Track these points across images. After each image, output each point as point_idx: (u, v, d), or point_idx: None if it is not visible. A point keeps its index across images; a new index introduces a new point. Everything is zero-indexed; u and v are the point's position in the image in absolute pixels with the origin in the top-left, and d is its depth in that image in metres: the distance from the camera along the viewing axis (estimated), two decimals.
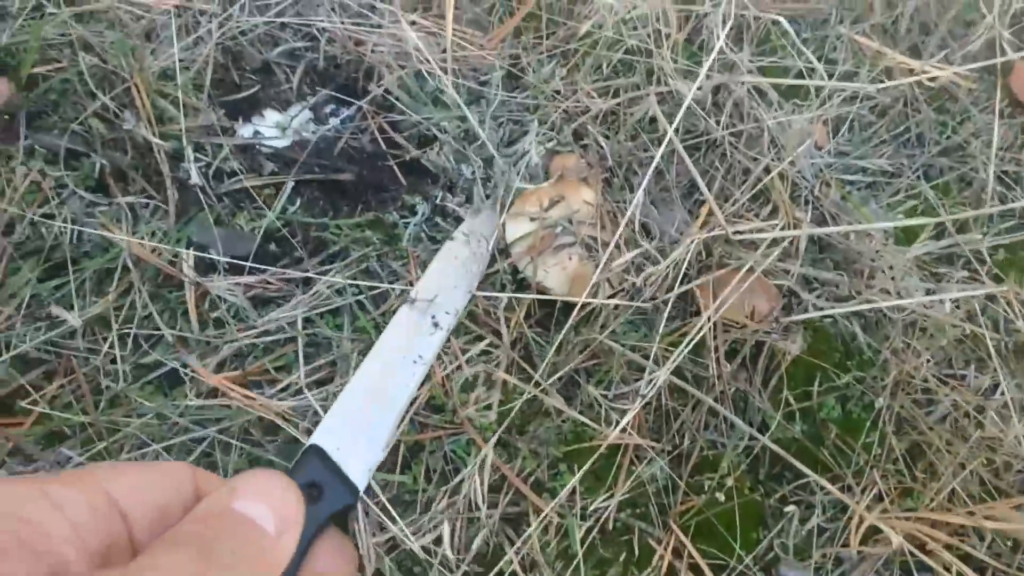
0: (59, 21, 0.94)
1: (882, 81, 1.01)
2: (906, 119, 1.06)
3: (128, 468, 0.41)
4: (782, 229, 0.89)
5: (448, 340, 0.87)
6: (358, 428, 0.72)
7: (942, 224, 0.99)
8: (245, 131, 1.00)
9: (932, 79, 1.05)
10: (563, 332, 0.83)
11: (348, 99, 1.03)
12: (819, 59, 1.10)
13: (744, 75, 0.94)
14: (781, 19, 0.86)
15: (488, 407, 0.86)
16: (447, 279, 0.90)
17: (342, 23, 1.01)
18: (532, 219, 0.91)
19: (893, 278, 0.92)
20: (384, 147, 1.00)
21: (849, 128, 1.06)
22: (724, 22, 0.83)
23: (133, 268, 0.86)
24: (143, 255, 0.86)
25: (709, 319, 0.82)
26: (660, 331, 0.87)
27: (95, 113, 0.90)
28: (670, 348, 0.87)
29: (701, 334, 0.82)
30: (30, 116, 0.92)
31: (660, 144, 0.94)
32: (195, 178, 0.89)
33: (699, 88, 0.90)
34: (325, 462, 0.54)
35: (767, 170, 0.94)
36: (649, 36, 1.00)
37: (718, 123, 1.00)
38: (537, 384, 0.83)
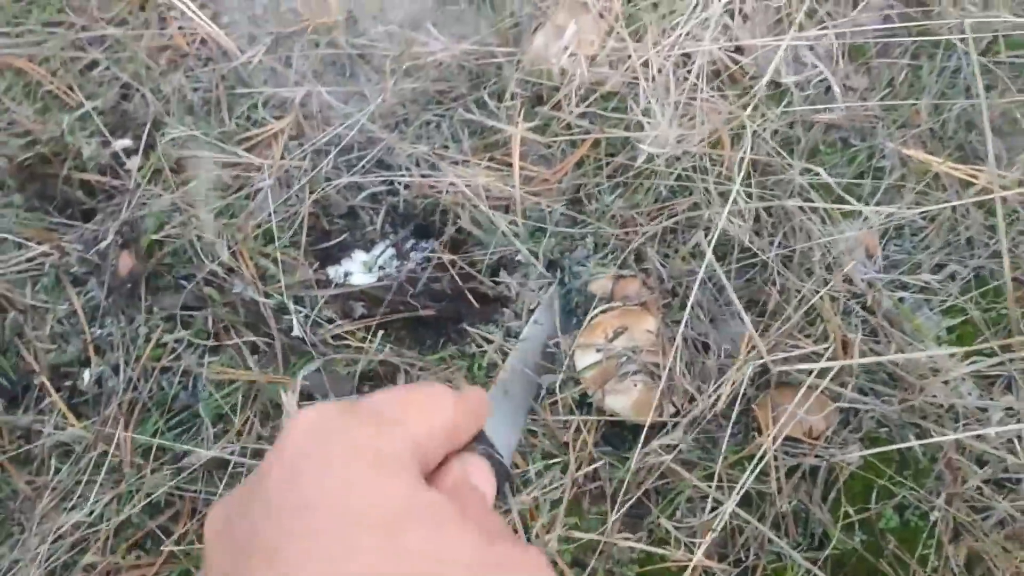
0: (169, 194, 1.06)
1: (925, 193, 1.07)
2: (955, 223, 1.10)
3: (420, 418, 0.47)
4: (831, 353, 0.95)
5: (526, 468, 0.95)
6: (499, 419, 0.83)
7: (995, 331, 1.03)
8: (336, 273, 1.10)
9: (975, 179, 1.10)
10: (631, 463, 0.91)
11: (426, 236, 1.13)
12: (869, 168, 1.15)
13: (790, 201, 1.00)
14: (821, 171, 0.93)
15: (568, 527, 0.94)
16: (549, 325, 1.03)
17: (418, 170, 1.11)
18: (598, 350, 1.00)
19: (946, 382, 0.98)
20: (460, 281, 1.09)
21: (899, 235, 1.11)
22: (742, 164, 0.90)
23: (253, 402, 0.98)
24: (261, 380, 0.97)
25: (768, 451, 0.88)
26: (723, 451, 0.94)
27: (205, 279, 1.01)
28: (733, 467, 0.95)
29: (762, 464, 0.88)
30: (148, 277, 1.05)
31: (713, 267, 1.02)
32: (297, 330, 1.00)
33: (747, 224, 0.97)
34: (484, 441, 0.64)
35: (819, 288, 1.01)
36: (697, 168, 1.07)
37: (771, 241, 1.06)
38: (604, 520, 0.91)
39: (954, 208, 1.11)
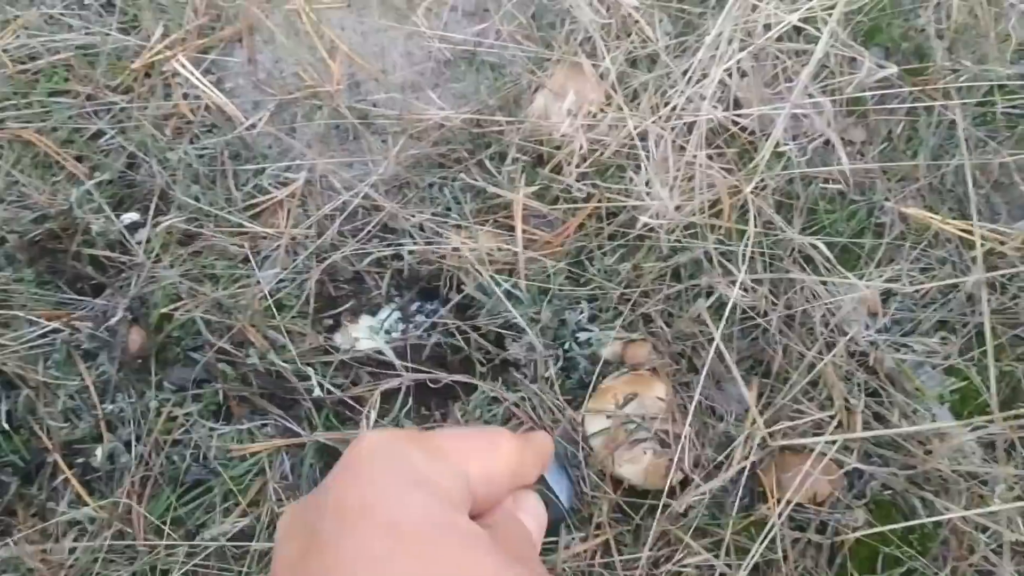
0: (179, 265, 1.08)
1: (926, 251, 1.08)
2: (955, 279, 1.11)
3: (480, 459, 0.51)
4: (836, 421, 0.96)
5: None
6: (556, 466, 0.85)
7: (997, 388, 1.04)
8: (343, 338, 1.12)
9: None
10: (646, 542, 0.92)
11: (431, 299, 1.14)
12: (869, 224, 1.16)
13: (795, 273, 1.01)
14: (819, 244, 0.94)
15: None
16: None
17: (422, 235, 1.13)
18: (609, 416, 1.01)
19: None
20: (465, 345, 1.10)
21: (899, 290, 1.12)
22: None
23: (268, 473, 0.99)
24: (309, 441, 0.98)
25: (775, 523, 0.89)
26: (731, 518, 0.96)
27: (216, 356, 1.03)
28: (739, 534, 0.96)
29: (769, 536, 0.89)
30: (157, 350, 1.06)
31: (718, 326, 1.03)
32: (318, 392, 1.02)
33: (745, 291, 0.99)
34: (545, 483, 0.66)
35: (821, 352, 1.02)
36: (698, 234, 1.08)
37: (774, 303, 1.07)
38: None
39: (954, 264, 1.12)
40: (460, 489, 0.48)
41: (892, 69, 0.91)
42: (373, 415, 1.01)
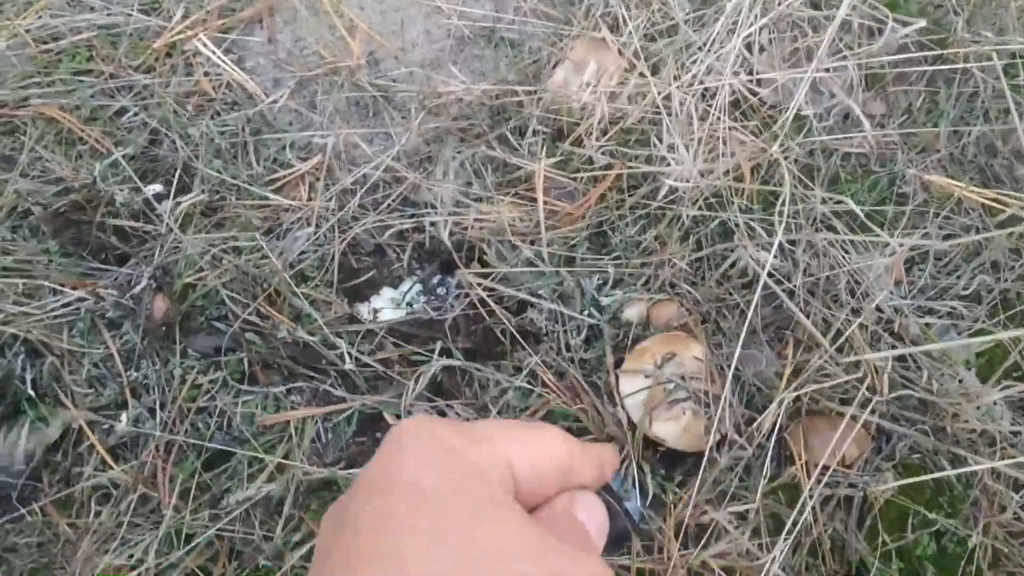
0: (202, 235, 1.08)
1: (949, 219, 1.07)
2: (980, 245, 1.11)
3: (523, 447, 0.50)
4: (865, 383, 0.96)
5: None
6: (631, 486, 0.84)
7: None
8: (366, 310, 1.12)
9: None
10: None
11: (452, 272, 1.14)
12: (891, 194, 1.16)
13: (819, 235, 1.01)
14: (849, 201, 0.94)
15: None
16: None
17: (443, 207, 1.13)
18: (647, 376, 1.00)
19: (978, 407, 0.98)
20: (487, 316, 1.10)
21: (923, 259, 1.12)
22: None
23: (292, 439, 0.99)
24: (366, 402, 0.98)
25: (803, 484, 0.89)
26: (761, 484, 0.95)
27: (242, 327, 1.03)
28: (767, 496, 0.95)
29: (804, 516, 0.89)
30: (181, 319, 1.07)
31: (746, 289, 1.02)
32: (349, 364, 1.02)
33: (775, 257, 0.98)
34: (612, 494, 0.64)
35: (849, 316, 1.01)
36: (724, 201, 1.08)
37: (797, 268, 1.07)
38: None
39: (978, 231, 1.12)
40: (499, 470, 0.47)
41: (920, 23, 0.91)
42: (422, 382, 1.01)
